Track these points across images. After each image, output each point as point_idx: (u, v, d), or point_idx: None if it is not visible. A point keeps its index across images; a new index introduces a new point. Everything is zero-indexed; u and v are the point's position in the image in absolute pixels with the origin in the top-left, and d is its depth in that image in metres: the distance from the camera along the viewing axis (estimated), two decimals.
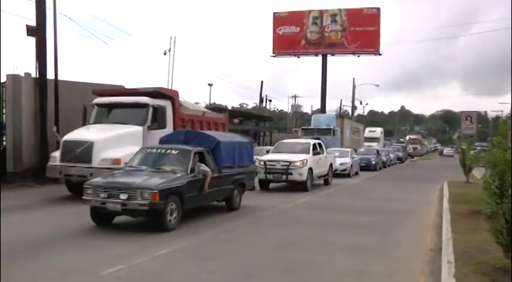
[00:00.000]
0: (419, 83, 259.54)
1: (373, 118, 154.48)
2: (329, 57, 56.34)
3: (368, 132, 60.22)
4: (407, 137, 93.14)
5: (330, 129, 39.50)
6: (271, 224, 11.91)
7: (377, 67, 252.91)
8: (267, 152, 22.14)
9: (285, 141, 23.18)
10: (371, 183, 25.18)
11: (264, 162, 19.59)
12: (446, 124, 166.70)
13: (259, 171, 18.78)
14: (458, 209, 13.75)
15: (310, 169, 19.68)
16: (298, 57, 58.08)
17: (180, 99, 18.50)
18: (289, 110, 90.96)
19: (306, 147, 20.84)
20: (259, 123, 47.31)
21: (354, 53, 56.23)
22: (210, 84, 61.78)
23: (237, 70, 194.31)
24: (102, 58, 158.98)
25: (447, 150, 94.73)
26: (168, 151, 12.47)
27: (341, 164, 27.50)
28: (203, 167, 12.16)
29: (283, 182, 19.43)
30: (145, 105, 16.74)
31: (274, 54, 57.94)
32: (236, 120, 43.13)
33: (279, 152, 20.72)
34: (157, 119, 16.77)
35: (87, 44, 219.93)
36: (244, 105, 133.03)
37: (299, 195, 17.71)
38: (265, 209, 14.13)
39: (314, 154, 20.70)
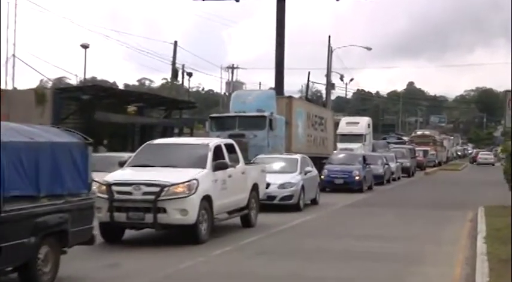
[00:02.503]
0: (442, 44, 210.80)
1: (363, 103, 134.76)
2: (290, 1, 45.87)
3: (345, 125, 51.37)
4: (413, 134, 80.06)
5: (264, 118, 31.00)
6: None
7: (370, 19, 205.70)
8: (122, 164, 16.50)
9: (157, 142, 18.14)
10: (350, 213, 22.82)
11: (108, 186, 14.55)
12: (483, 112, 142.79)
13: (100, 205, 13.79)
14: (502, 253, 12.40)
15: (207, 199, 14.95)
16: (237, 0, 47.45)
17: None
18: (224, 90, 77.91)
19: (199, 156, 15.85)
20: (171, 112, 40.73)
21: None
22: (85, 46, 52.62)
23: (133, 23, 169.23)
24: None
25: (484, 155, 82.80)
26: None
27: (281, 186, 22.02)
28: None
29: (147, 227, 14.94)
30: None
31: None
32: (131, 108, 36.19)
33: (142, 166, 15.77)
34: None
35: None
36: (147, 83, 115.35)
37: (191, 251, 13.90)
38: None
39: (216, 168, 15.68)
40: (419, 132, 78.71)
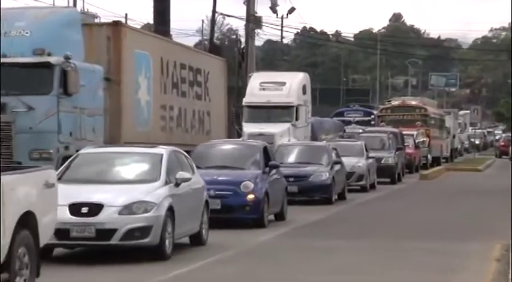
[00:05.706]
0: None
1: (312, 52, 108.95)
2: None
3: (259, 88, 37.79)
4: (386, 104, 65.55)
5: (50, 68, 21.09)
6: None
7: None
8: None
9: None
10: (273, 253, 16.72)
11: None
12: None
13: None
14: None
15: None
16: None
17: None
18: None
19: None
20: None
21: None
22: None
23: None
24: None
25: None
26: None
27: (127, 210, 14.68)
28: None
29: None
30: None
31: None
32: None
33: None
34: None
35: None
36: None
37: None
38: None
39: None
40: (396, 102, 58.33)
